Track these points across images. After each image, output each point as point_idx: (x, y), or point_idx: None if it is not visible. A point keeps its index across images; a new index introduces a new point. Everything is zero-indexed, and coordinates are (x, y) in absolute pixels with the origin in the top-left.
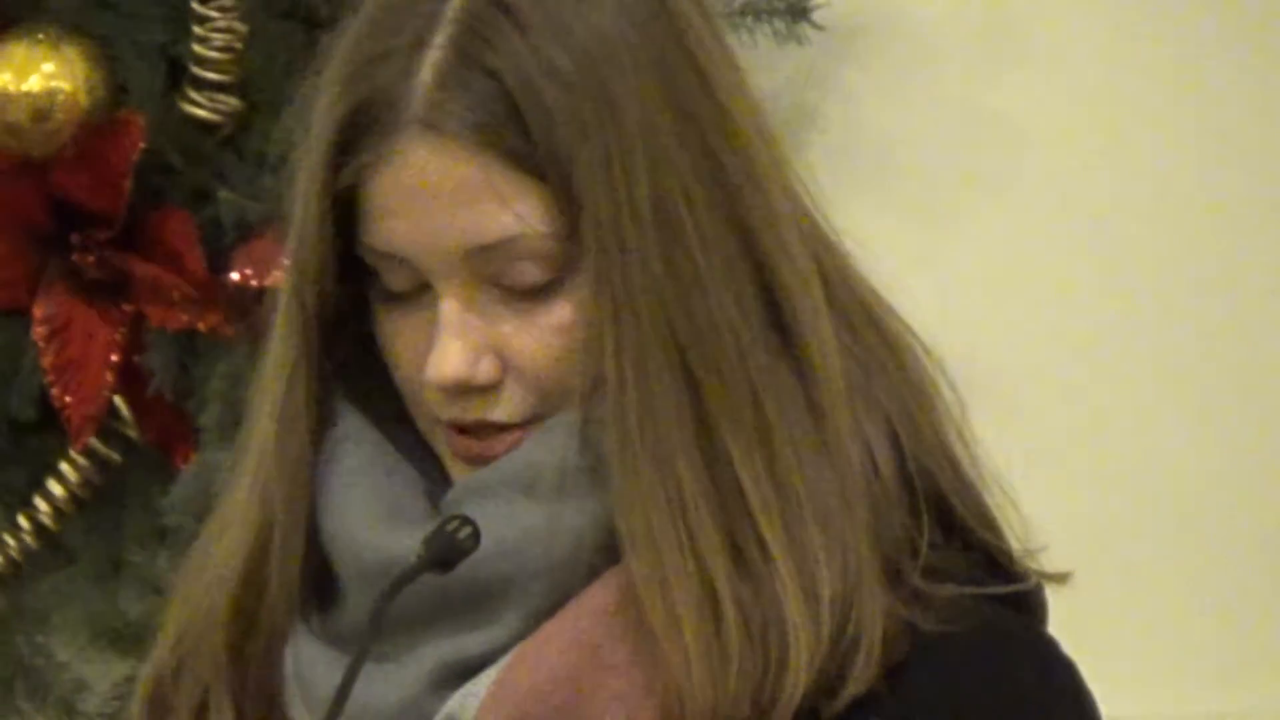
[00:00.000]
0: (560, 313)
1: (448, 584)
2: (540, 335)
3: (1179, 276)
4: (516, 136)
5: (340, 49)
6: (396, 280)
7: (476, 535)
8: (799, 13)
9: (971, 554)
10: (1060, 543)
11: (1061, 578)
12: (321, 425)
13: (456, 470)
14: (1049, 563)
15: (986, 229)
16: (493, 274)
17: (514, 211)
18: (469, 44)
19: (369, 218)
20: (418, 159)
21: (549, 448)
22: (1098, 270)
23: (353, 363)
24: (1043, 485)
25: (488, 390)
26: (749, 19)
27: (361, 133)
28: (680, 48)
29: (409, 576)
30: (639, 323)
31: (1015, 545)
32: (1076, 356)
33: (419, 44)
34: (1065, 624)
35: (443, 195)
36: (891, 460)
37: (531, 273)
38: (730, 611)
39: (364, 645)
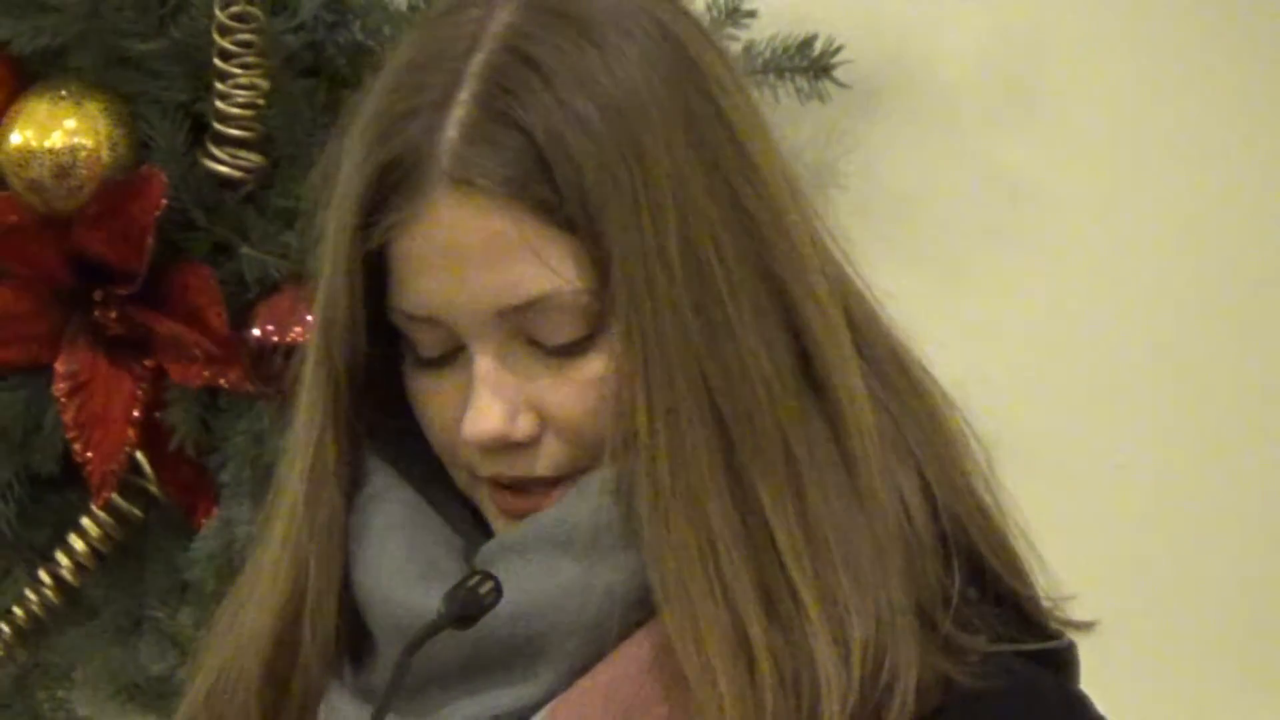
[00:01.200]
0: (594, 365)
1: (482, 641)
2: (576, 389)
3: (1200, 330)
4: (545, 189)
5: (366, 108)
6: (428, 345)
7: (498, 591)
8: (821, 70)
9: (1004, 609)
10: (1083, 596)
11: (1087, 626)
12: (353, 485)
13: (500, 526)
14: (1074, 613)
15: (1007, 286)
16: (526, 330)
17: (546, 266)
18: (495, 99)
19: (399, 278)
20: (447, 215)
21: (583, 504)
22: (1117, 324)
23: (384, 420)
24: (1064, 538)
25: (527, 446)
26: (771, 76)
27: (390, 191)
28: (706, 99)
29: (430, 632)
30: (670, 371)
31: (1043, 595)
32: (1097, 410)
33: (445, 101)
34: (1093, 676)
35: (474, 251)
36: (924, 510)
37: (565, 328)
38: (763, 659)
39: (385, 699)
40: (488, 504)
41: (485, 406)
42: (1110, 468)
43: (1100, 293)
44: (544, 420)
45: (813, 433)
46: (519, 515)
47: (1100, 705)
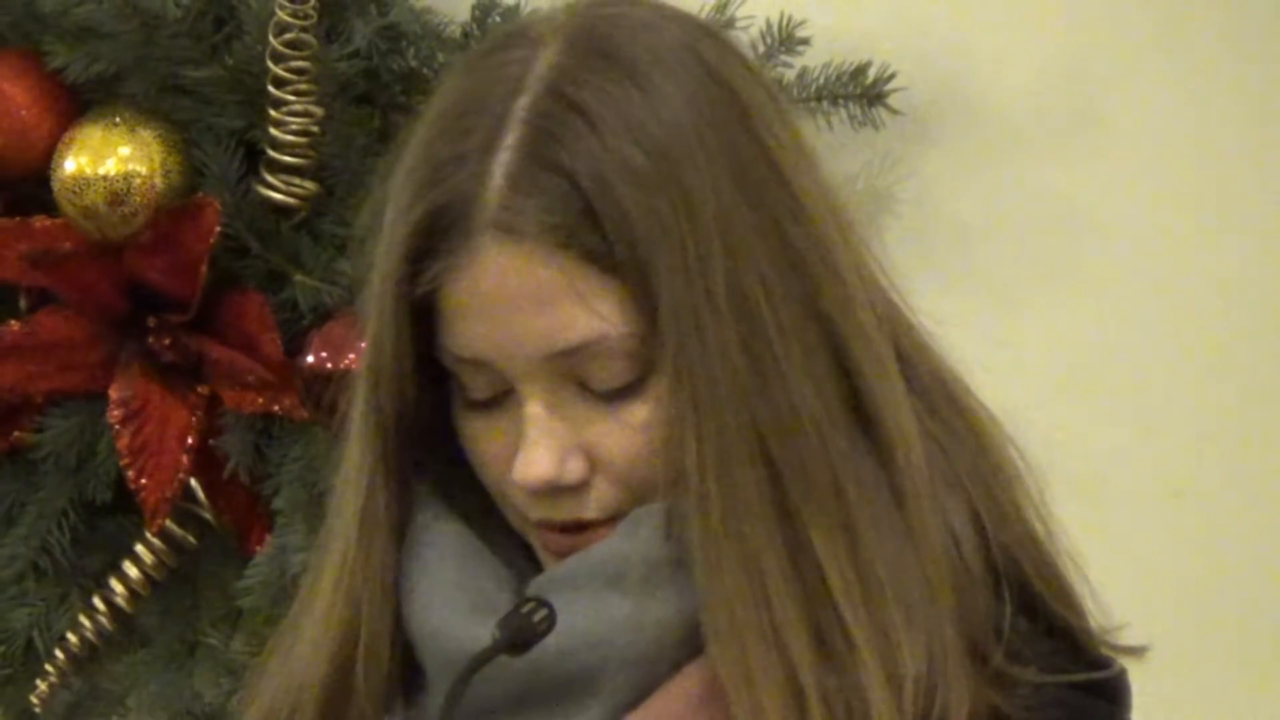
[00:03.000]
0: (643, 409)
1: (534, 674)
2: (625, 432)
3: (1260, 358)
4: (592, 236)
5: (411, 150)
6: (477, 387)
7: (552, 618)
8: (875, 97)
9: (1055, 639)
10: (1139, 622)
11: (1138, 652)
12: (404, 525)
13: (551, 565)
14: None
15: (1062, 315)
16: (575, 374)
17: (594, 312)
18: (539, 144)
19: (448, 322)
20: (495, 264)
21: (635, 540)
22: (1174, 356)
23: (433, 450)
24: (1121, 564)
25: (576, 489)
26: (825, 103)
27: (437, 239)
28: (751, 137)
29: (484, 658)
30: (720, 414)
31: (1095, 624)
32: (1154, 442)
33: (489, 146)
34: (1149, 705)
35: (522, 299)
36: (974, 542)
37: (614, 372)
38: (814, 700)
39: None
40: (537, 542)
41: (536, 451)
42: (1167, 495)
43: (1156, 321)
44: (593, 463)
45: (863, 471)
46: (569, 554)
47: None
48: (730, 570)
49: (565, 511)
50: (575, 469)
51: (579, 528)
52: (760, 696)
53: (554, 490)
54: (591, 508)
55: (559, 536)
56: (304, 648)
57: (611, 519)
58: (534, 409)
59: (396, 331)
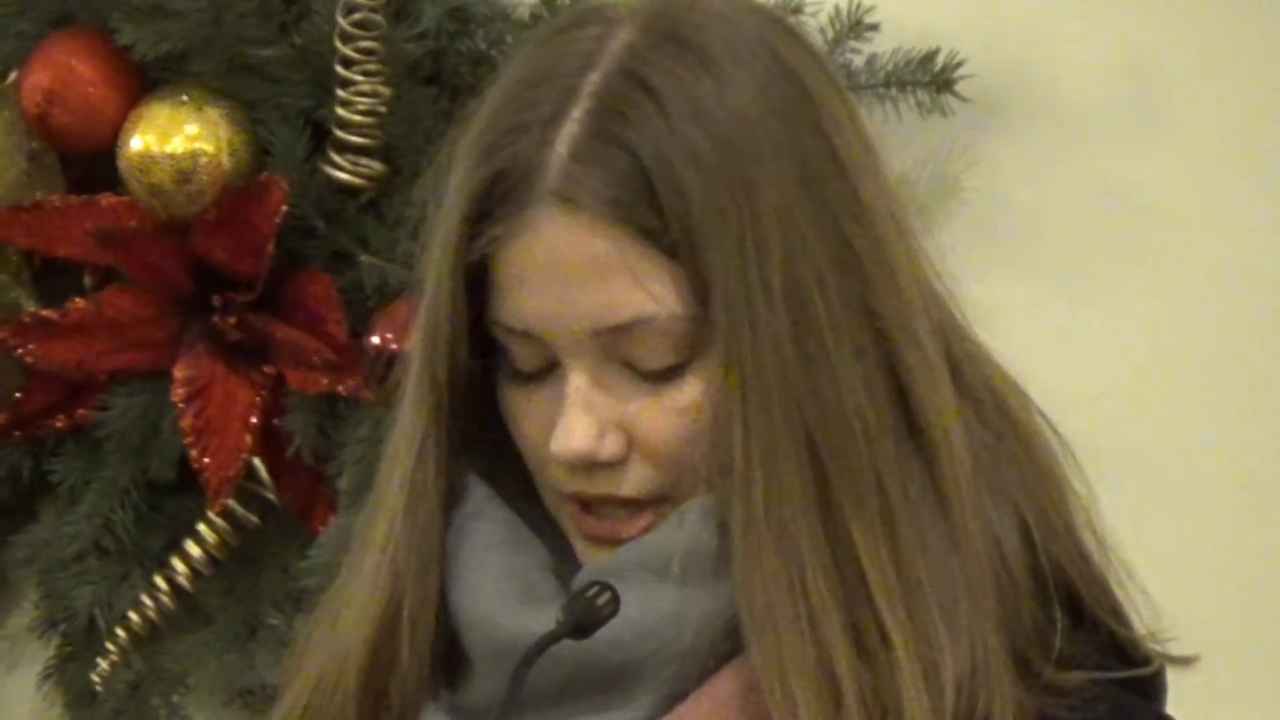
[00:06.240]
0: (688, 393)
1: (582, 663)
2: (667, 415)
3: None
4: (649, 214)
5: (478, 120)
6: (525, 359)
7: (616, 602)
8: (943, 85)
9: (1099, 637)
10: (1197, 623)
11: (1187, 661)
12: (451, 496)
13: (582, 548)
14: (1179, 645)
15: (1127, 304)
16: (621, 352)
17: (645, 290)
18: (607, 120)
19: (499, 290)
20: (550, 232)
21: (681, 531)
22: (1239, 347)
23: (482, 439)
24: (1183, 563)
25: (612, 466)
26: (893, 90)
27: (495, 203)
28: (818, 135)
29: (549, 641)
30: (767, 405)
31: (1142, 631)
32: (1217, 433)
33: (557, 117)
34: (1193, 698)
35: (574, 270)
36: (1020, 551)
37: (661, 353)
38: (850, 695)
39: (503, 711)
40: (571, 525)
41: (574, 424)
42: (1233, 486)
43: (1224, 311)
44: (631, 442)
45: (908, 473)
46: (599, 539)
47: None
48: (769, 559)
49: (598, 487)
50: (612, 445)
51: (610, 509)
52: (793, 687)
53: (589, 465)
54: (626, 487)
55: (591, 520)
56: (348, 617)
57: (644, 500)
58: (576, 382)
59: (452, 294)
